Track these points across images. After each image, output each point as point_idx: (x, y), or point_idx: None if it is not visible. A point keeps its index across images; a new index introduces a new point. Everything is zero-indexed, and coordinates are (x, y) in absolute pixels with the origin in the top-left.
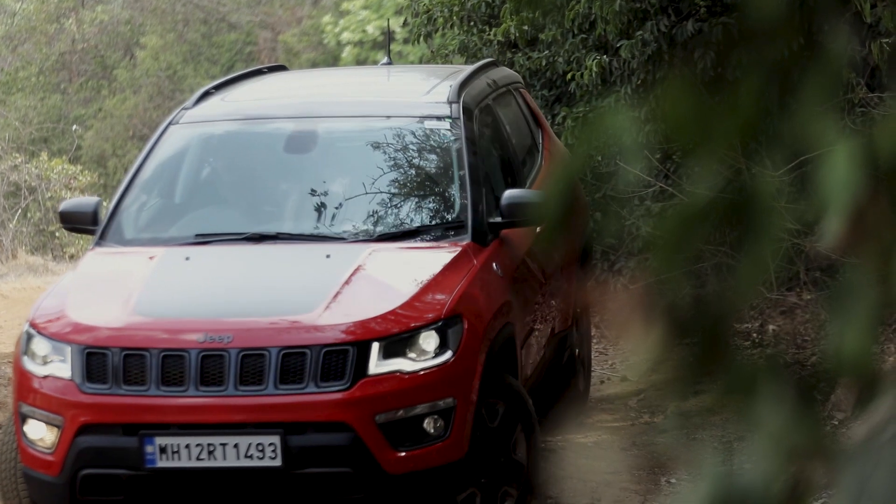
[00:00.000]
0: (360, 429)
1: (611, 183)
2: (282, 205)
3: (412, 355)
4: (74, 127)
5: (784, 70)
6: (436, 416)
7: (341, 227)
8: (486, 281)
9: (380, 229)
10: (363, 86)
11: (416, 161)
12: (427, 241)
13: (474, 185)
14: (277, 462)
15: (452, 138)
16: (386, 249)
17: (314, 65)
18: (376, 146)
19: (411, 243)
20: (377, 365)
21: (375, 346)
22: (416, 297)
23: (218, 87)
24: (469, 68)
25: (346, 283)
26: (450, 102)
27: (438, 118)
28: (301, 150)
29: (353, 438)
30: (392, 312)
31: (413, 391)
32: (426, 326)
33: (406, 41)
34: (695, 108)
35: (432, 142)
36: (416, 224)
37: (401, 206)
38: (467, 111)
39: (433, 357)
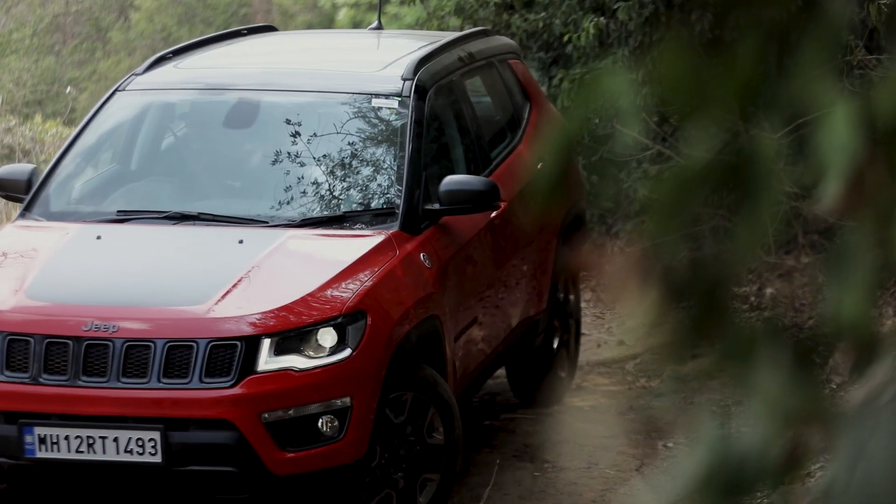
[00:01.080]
0: (244, 427)
1: (608, 145)
2: (209, 183)
3: (308, 352)
4: (69, 89)
5: (782, 32)
6: (330, 416)
7: (265, 210)
8: (406, 273)
9: (304, 214)
10: (327, 56)
11: (355, 142)
12: (352, 228)
13: (412, 169)
14: (158, 458)
15: (398, 119)
16: (304, 236)
17: (309, 26)
18: (317, 124)
19: (334, 230)
20: (267, 361)
21: (266, 342)
22: (319, 290)
23: (178, 52)
24: (445, 39)
25: (249, 272)
26: (403, 79)
27: (387, 96)
28: (239, 126)
29: (237, 437)
30: (289, 306)
31: (305, 390)
32: (324, 322)
33: (402, 2)
34: (692, 70)
35: (376, 122)
36: (344, 209)
37: (331, 190)
38: (420, 89)
39: (329, 355)
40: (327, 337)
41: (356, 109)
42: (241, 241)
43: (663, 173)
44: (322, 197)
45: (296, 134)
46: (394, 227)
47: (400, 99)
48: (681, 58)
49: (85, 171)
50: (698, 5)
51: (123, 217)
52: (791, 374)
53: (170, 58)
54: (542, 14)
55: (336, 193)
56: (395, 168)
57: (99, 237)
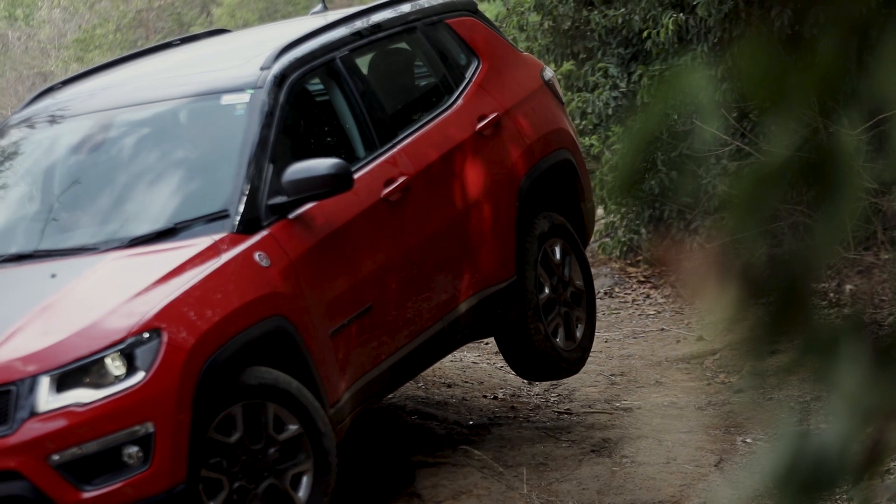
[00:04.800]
0: (31, 474)
1: (687, 142)
2: (48, 217)
3: (94, 383)
4: None
5: (862, 28)
6: (132, 446)
7: (95, 237)
8: (230, 276)
9: (133, 233)
10: (212, 59)
11: (197, 147)
12: (182, 239)
13: (252, 165)
14: None
15: (246, 114)
16: (123, 257)
17: None
18: (162, 135)
19: (161, 245)
20: (48, 401)
21: (45, 381)
22: (106, 315)
23: (70, 81)
24: (343, 14)
25: (41, 309)
26: (261, 70)
27: (240, 91)
28: (88, 151)
29: (27, 486)
30: (70, 339)
31: (95, 423)
32: (108, 349)
33: None
34: (772, 66)
35: (223, 122)
36: (175, 221)
37: (165, 204)
38: (281, 78)
39: (118, 382)
40: (115, 364)
41: (205, 111)
42: (53, 276)
43: (743, 170)
44: (154, 212)
45: (138, 151)
46: (227, 231)
47: (254, 91)
48: (760, 54)
49: None
50: (778, 1)
51: None
52: (871, 370)
53: (59, 88)
54: (622, 10)
55: (168, 206)
56: (235, 168)
57: None
